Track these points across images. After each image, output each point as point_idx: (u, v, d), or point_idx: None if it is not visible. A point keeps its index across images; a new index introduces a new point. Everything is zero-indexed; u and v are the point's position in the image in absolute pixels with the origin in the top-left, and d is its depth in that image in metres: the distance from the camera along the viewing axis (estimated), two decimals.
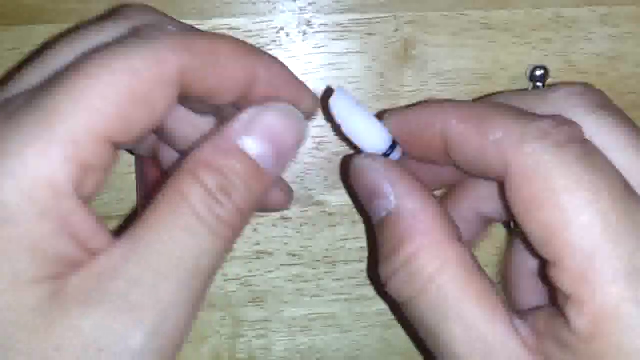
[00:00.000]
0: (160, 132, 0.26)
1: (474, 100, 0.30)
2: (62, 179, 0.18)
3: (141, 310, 0.18)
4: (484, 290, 0.22)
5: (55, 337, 0.18)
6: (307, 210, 0.31)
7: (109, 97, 0.19)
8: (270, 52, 0.30)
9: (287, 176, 0.31)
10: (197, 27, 0.30)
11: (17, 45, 0.30)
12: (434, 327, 0.22)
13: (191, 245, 0.19)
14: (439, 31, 0.31)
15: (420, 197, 0.23)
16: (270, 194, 0.26)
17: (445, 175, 0.27)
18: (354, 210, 0.32)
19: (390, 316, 0.32)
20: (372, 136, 0.25)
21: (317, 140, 0.31)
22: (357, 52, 0.31)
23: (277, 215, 0.31)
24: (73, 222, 0.18)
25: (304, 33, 0.31)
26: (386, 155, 0.25)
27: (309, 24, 0.31)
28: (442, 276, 0.22)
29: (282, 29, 0.30)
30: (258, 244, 0.31)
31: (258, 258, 0.32)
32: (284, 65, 0.24)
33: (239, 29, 0.30)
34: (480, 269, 0.22)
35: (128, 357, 0.18)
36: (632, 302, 0.19)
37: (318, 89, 0.30)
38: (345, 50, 0.31)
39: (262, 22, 0.30)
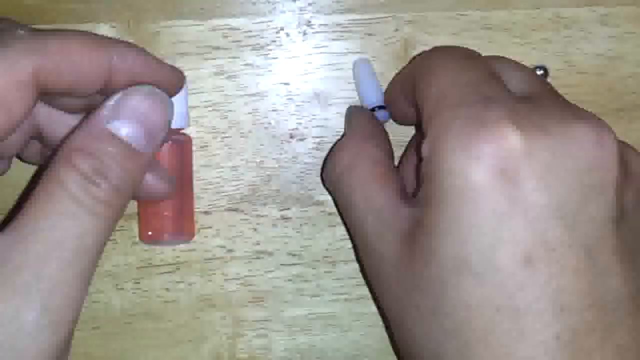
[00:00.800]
0: (39, 138, 0.27)
1: None
2: None
3: (29, 292, 0.20)
4: (383, 173, 0.26)
5: None
6: (307, 210, 0.31)
7: None
8: (270, 52, 0.30)
9: (287, 176, 0.31)
10: (197, 27, 0.30)
11: None
12: (346, 204, 0.27)
13: (71, 228, 0.21)
14: (439, 31, 0.31)
15: (359, 118, 0.29)
16: (151, 183, 0.27)
17: None
18: None
19: None
20: (368, 92, 0.30)
21: (317, 140, 0.31)
22: (357, 52, 0.31)
23: (277, 215, 0.31)
24: None
25: (304, 33, 0.31)
26: (382, 107, 0.30)
27: (309, 24, 0.31)
28: (355, 166, 0.27)
29: (282, 29, 0.31)
30: (258, 244, 0.31)
31: (258, 258, 0.32)
32: (140, 50, 0.25)
33: (239, 29, 0.30)
34: (386, 162, 0.27)
35: (23, 334, 0.20)
36: (457, 120, 0.22)
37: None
38: (345, 51, 0.31)
39: (262, 22, 0.30)
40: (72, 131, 0.23)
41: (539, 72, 0.30)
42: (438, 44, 0.31)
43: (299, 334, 0.32)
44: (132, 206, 0.31)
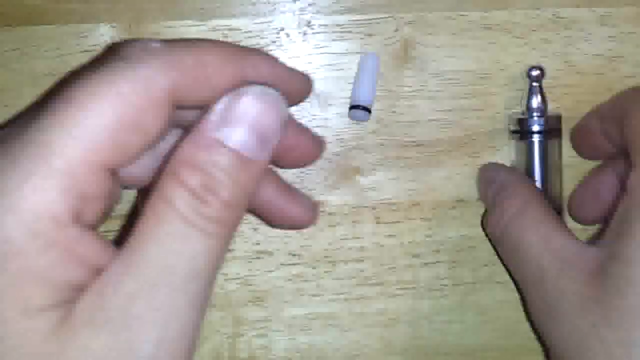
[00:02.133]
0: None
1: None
2: (61, 210, 0.18)
3: (143, 323, 0.19)
4: (555, 219, 0.27)
5: None
6: None
7: (99, 125, 0.19)
8: (270, 53, 0.30)
9: (287, 176, 0.31)
10: (197, 27, 0.30)
11: (18, 46, 0.30)
12: (516, 248, 0.28)
13: (183, 251, 0.19)
14: (439, 31, 0.31)
15: (516, 173, 0.30)
16: (288, 209, 0.27)
17: None
18: (354, 210, 0.32)
19: (390, 316, 0.32)
20: (360, 89, 0.31)
21: None
22: (357, 52, 0.31)
23: None
24: (77, 249, 0.19)
25: (304, 34, 0.31)
26: (365, 109, 0.31)
27: (309, 24, 0.31)
28: (524, 212, 0.28)
29: (282, 29, 0.31)
30: (258, 244, 0.32)
31: (258, 258, 0.32)
32: (270, 58, 0.24)
33: (239, 30, 0.30)
34: (551, 209, 0.28)
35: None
36: None
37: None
38: (345, 51, 0.31)
39: (263, 22, 0.30)
40: (181, 141, 0.21)
41: (535, 73, 0.30)
42: (438, 44, 0.31)
43: (298, 333, 0.32)
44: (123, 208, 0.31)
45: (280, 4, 0.30)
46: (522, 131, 0.30)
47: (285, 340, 0.32)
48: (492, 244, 0.32)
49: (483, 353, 0.32)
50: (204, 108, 0.21)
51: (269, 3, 0.30)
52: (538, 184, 0.30)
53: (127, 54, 0.21)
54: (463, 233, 0.32)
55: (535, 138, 0.30)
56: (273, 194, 0.26)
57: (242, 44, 0.30)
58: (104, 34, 0.30)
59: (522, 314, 0.32)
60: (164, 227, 0.19)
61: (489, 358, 0.32)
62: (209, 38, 0.30)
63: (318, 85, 0.31)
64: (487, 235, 0.31)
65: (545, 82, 0.31)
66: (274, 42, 0.31)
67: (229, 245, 0.21)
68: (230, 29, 0.30)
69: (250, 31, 0.30)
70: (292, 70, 0.25)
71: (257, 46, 0.31)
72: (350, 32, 0.31)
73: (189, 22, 0.30)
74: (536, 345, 0.32)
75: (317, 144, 0.27)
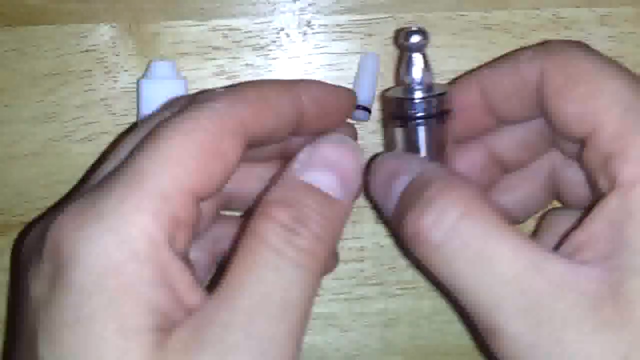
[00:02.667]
0: (228, 199, 0.27)
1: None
2: (157, 231, 0.19)
3: (240, 352, 0.19)
4: (515, 227, 0.22)
5: None
6: None
7: (187, 153, 0.21)
8: (270, 53, 0.31)
9: None
10: (197, 27, 0.30)
11: (18, 46, 0.30)
12: (473, 263, 0.21)
13: (277, 281, 0.20)
14: (439, 31, 0.31)
15: (434, 163, 0.25)
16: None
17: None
18: (354, 210, 0.32)
19: (390, 316, 0.32)
20: (361, 88, 0.30)
21: None
22: (357, 52, 0.31)
23: None
24: (171, 272, 0.19)
25: (304, 34, 0.31)
26: (365, 109, 0.30)
27: (309, 24, 0.31)
28: (475, 211, 0.21)
29: (282, 29, 0.31)
30: None
31: None
32: (316, 81, 0.26)
33: (239, 30, 0.30)
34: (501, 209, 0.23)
35: None
36: None
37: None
38: (345, 51, 0.31)
39: (263, 22, 0.30)
40: (268, 187, 0.22)
41: (416, 39, 0.25)
42: (438, 44, 0.31)
43: None
44: None
45: (280, 4, 0.30)
46: (401, 116, 0.26)
47: None
48: (404, 251, 0.30)
49: (483, 353, 0.32)
50: (272, 140, 0.24)
51: (269, 3, 0.30)
52: None
53: (198, 100, 0.23)
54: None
55: (420, 124, 0.25)
56: None
57: (242, 44, 0.30)
58: (104, 34, 0.30)
59: None
60: (257, 260, 0.20)
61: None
62: (207, 38, 0.30)
63: None
64: (398, 241, 0.29)
65: None
66: (274, 42, 0.31)
67: (320, 282, 0.22)
68: (230, 29, 0.30)
69: (250, 31, 0.30)
70: (337, 87, 0.27)
71: (257, 46, 0.31)
72: (350, 32, 0.31)
73: (189, 22, 0.30)
74: None
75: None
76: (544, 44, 0.25)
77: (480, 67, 0.27)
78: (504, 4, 0.31)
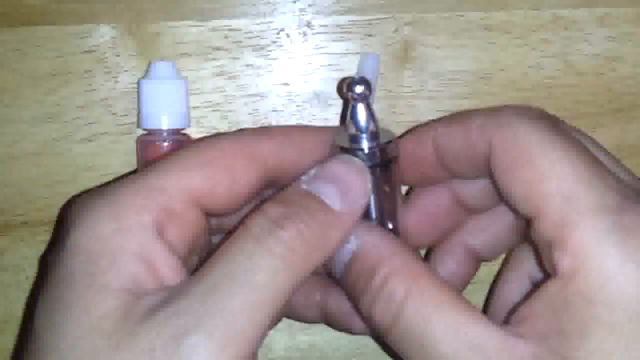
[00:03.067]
0: None
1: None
2: (147, 213, 0.21)
3: (187, 315, 0.20)
4: (457, 298, 0.22)
5: (129, 343, 0.20)
6: None
7: (195, 161, 0.23)
8: (270, 53, 0.31)
9: None
10: (197, 28, 0.30)
11: (19, 46, 0.30)
12: (418, 344, 0.22)
13: (244, 263, 0.21)
14: (439, 32, 0.31)
15: (378, 232, 0.24)
16: (351, 320, 0.27)
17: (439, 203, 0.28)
18: None
19: None
20: None
21: None
22: (357, 53, 0.31)
23: None
24: (151, 250, 0.21)
25: (304, 34, 0.31)
26: None
27: (309, 25, 0.31)
28: (416, 293, 0.22)
29: (282, 30, 0.31)
30: None
31: None
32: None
33: (239, 30, 0.30)
34: (444, 281, 0.23)
35: (183, 355, 0.19)
36: (607, 231, 0.20)
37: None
38: (345, 51, 0.31)
39: (263, 23, 0.31)
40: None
41: (359, 90, 0.24)
42: (438, 44, 0.31)
43: (299, 333, 0.32)
44: None
45: (281, 4, 0.30)
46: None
47: (285, 340, 0.32)
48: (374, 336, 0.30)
49: None
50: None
51: (269, 3, 0.30)
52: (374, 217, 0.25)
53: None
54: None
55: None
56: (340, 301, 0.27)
57: (242, 44, 0.31)
58: (104, 35, 0.30)
59: None
60: (235, 244, 0.21)
61: None
62: (208, 38, 0.30)
63: (318, 86, 0.31)
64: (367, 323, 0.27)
65: (544, 82, 0.31)
66: (274, 42, 0.31)
67: (300, 280, 0.21)
68: (230, 30, 0.30)
69: (250, 32, 0.30)
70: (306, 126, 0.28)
71: (257, 47, 0.31)
72: (350, 32, 0.31)
73: (190, 22, 0.30)
74: None
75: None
76: (495, 110, 0.24)
77: (435, 121, 0.26)
78: (503, 5, 0.31)
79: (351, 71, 0.31)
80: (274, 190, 0.25)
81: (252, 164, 0.24)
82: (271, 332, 0.32)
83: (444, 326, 0.21)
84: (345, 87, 0.25)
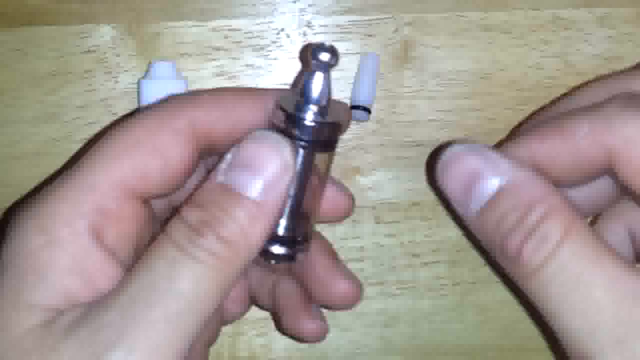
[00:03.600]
0: None
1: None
2: (77, 219, 0.21)
3: (110, 329, 0.20)
4: (611, 249, 0.21)
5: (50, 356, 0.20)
6: None
7: (122, 148, 0.22)
8: (270, 53, 0.31)
9: None
10: (197, 28, 0.30)
11: (19, 46, 0.30)
12: (571, 288, 0.21)
13: (164, 271, 0.20)
14: (438, 32, 0.31)
15: (527, 167, 0.23)
16: (334, 283, 0.27)
17: None
18: (354, 210, 0.32)
19: (389, 315, 0.32)
20: (361, 88, 0.30)
21: None
22: (357, 53, 0.31)
23: None
24: (86, 260, 0.21)
25: (305, 34, 0.31)
26: (365, 109, 0.30)
27: (309, 25, 0.31)
28: (575, 236, 0.21)
29: (282, 30, 0.31)
30: None
31: None
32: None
33: (239, 30, 0.30)
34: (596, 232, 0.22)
35: None
36: None
37: None
38: (345, 51, 0.31)
39: (263, 23, 0.31)
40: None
41: (324, 57, 0.22)
42: (438, 44, 0.31)
43: None
44: None
45: (281, 4, 0.30)
46: (287, 131, 0.23)
47: (285, 340, 0.32)
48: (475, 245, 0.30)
49: (482, 352, 0.32)
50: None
51: (269, 4, 0.30)
52: (290, 202, 0.24)
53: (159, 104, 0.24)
54: (463, 233, 0.32)
55: (304, 148, 0.23)
56: (321, 265, 0.27)
57: (242, 44, 0.31)
58: (104, 35, 0.30)
59: (521, 314, 0.32)
60: (156, 252, 0.21)
61: (489, 358, 0.33)
62: (208, 38, 0.30)
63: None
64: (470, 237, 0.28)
65: (544, 83, 0.31)
66: (274, 42, 0.31)
67: (229, 281, 0.21)
68: (230, 30, 0.30)
69: (250, 32, 0.30)
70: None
71: (257, 47, 0.31)
72: (350, 32, 0.31)
73: (190, 22, 0.30)
74: (535, 344, 0.32)
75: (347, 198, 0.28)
76: (598, 111, 0.23)
77: (521, 130, 0.25)
78: (503, 5, 0.31)
79: (351, 71, 0.31)
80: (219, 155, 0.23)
81: (180, 139, 0.22)
82: (271, 332, 0.32)
83: (605, 273, 0.20)
84: (309, 52, 0.22)
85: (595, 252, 0.21)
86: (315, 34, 0.31)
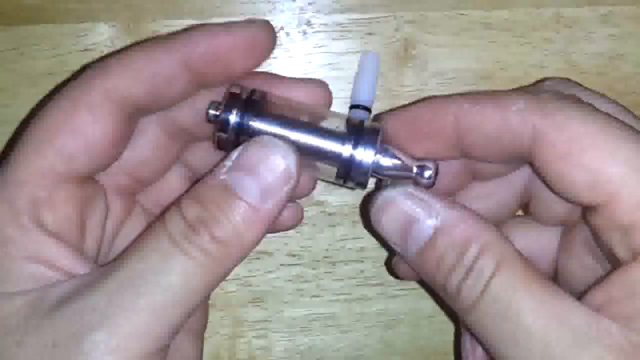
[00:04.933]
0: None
1: None
2: (18, 214, 0.21)
3: (95, 314, 0.20)
4: (543, 276, 0.22)
5: (43, 335, 0.20)
6: (307, 210, 0.31)
7: (44, 133, 0.22)
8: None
9: None
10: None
11: (17, 45, 0.30)
12: (504, 316, 0.21)
13: (156, 262, 0.21)
14: (439, 31, 0.31)
15: (458, 206, 0.23)
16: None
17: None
18: (354, 210, 0.32)
19: (390, 316, 0.32)
20: (361, 88, 0.30)
21: None
22: (357, 51, 0.31)
23: None
24: (40, 248, 0.21)
25: (304, 33, 0.31)
26: (365, 108, 0.29)
27: (309, 23, 0.31)
28: (506, 268, 0.22)
29: (282, 28, 0.30)
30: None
31: (258, 258, 0.31)
32: (205, 33, 0.24)
33: None
34: (530, 261, 0.22)
35: (80, 353, 0.20)
36: None
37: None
38: (345, 50, 0.31)
39: None
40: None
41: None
42: (438, 43, 0.31)
43: (298, 334, 0.32)
44: None
45: (280, 3, 0.30)
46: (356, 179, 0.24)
47: (285, 341, 0.32)
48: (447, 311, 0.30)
49: None
50: (168, 105, 0.24)
51: (268, 2, 0.30)
52: None
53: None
54: None
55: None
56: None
57: None
58: (102, 33, 0.30)
59: None
60: (150, 241, 0.21)
61: None
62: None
63: None
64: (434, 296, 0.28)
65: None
66: None
67: (217, 280, 0.22)
68: None
69: None
70: (232, 30, 0.24)
71: None
72: (350, 31, 0.31)
73: (189, 21, 0.30)
74: None
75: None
76: (534, 95, 0.23)
77: (457, 96, 0.24)
78: (504, 4, 0.31)
79: (351, 70, 0.31)
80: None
81: (98, 114, 0.22)
82: (270, 333, 0.32)
83: (532, 300, 0.21)
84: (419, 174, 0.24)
85: (525, 280, 0.21)
86: (315, 32, 0.31)
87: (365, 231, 0.32)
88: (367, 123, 0.25)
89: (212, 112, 0.24)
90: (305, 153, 0.23)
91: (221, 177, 0.22)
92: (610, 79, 0.31)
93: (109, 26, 0.30)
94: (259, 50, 0.24)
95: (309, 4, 0.30)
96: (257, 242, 0.22)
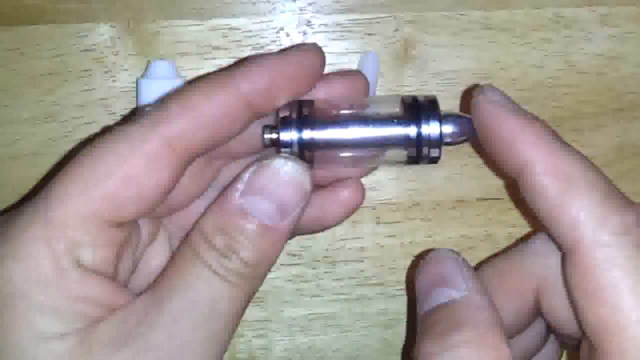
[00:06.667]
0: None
1: None
2: (59, 256, 0.21)
3: (159, 350, 0.21)
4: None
5: None
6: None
7: (94, 180, 0.21)
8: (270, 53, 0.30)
9: None
10: (197, 27, 0.30)
11: (17, 46, 0.30)
12: None
13: (206, 291, 0.22)
14: (439, 31, 0.31)
15: (487, 297, 0.23)
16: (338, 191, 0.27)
17: None
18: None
19: (390, 316, 0.32)
20: None
21: None
22: (357, 52, 0.31)
23: None
24: (82, 289, 0.21)
25: (304, 33, 0.31)
26: None
27: (309, 24, 0.31)
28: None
29: (282, 29, 0.31)
30: None
31: None
32: (257, 62, 0.24)
33: (238, 29, 0.30)
34: None
35: None
36: None
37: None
38: (345, 50, 0.31)
39: (262, 22, 0.30)
40: (211, 204, 0.23)
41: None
42: (438, 44, 0.31)
43: (298, 334, 0.32)
44: None
45: (280, 3, 0.30)
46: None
47: (285, 341, 0.32)
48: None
49: None
50: (224, 142, 0.23)
51: (268, 2, 0.30)
52: None
53: (124, 124, 0.22)
54: (463, 233, 0.32)
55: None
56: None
57: (241, 43, 0.30)
58: (103, 34, 0.30)
59: None
60: (191, 270, 0.22)
61: None
62: (207, 37, 0.30)
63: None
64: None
65: (545, 82, 0.31)
66: (274, 41, 0.30)
67: (252, 296, 0.23)
68: (230, 29, 0.30)
69: (250, 30, 0.30)
70: (286, 56, 0.24)
71: (257, 46, 0.30)
72: (350, 31, 0.31)
73: (189, 21, 0.30)
74: None
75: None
76: (526, 243, 0.25)
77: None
78: (504, 4, 0.31)
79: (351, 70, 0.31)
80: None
81: (155, 163, 0.22)
82: (270, 333, 0.32)
83: None
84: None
85: None
86: (315, 32, 0.31)
87: (365, 231, 0.32)
88: (420, 96, 0.25)
89: (267, 136, 0.24)
90: (373, 145, 0.24)
91: (237, 201, 0.22)
92: (609, 79, 0.31)
93: (110, 26, 0.30)
94: (315, 76, 0.25)
95: (309, 4, 0.30)
96: (280, 252, 0.23)
